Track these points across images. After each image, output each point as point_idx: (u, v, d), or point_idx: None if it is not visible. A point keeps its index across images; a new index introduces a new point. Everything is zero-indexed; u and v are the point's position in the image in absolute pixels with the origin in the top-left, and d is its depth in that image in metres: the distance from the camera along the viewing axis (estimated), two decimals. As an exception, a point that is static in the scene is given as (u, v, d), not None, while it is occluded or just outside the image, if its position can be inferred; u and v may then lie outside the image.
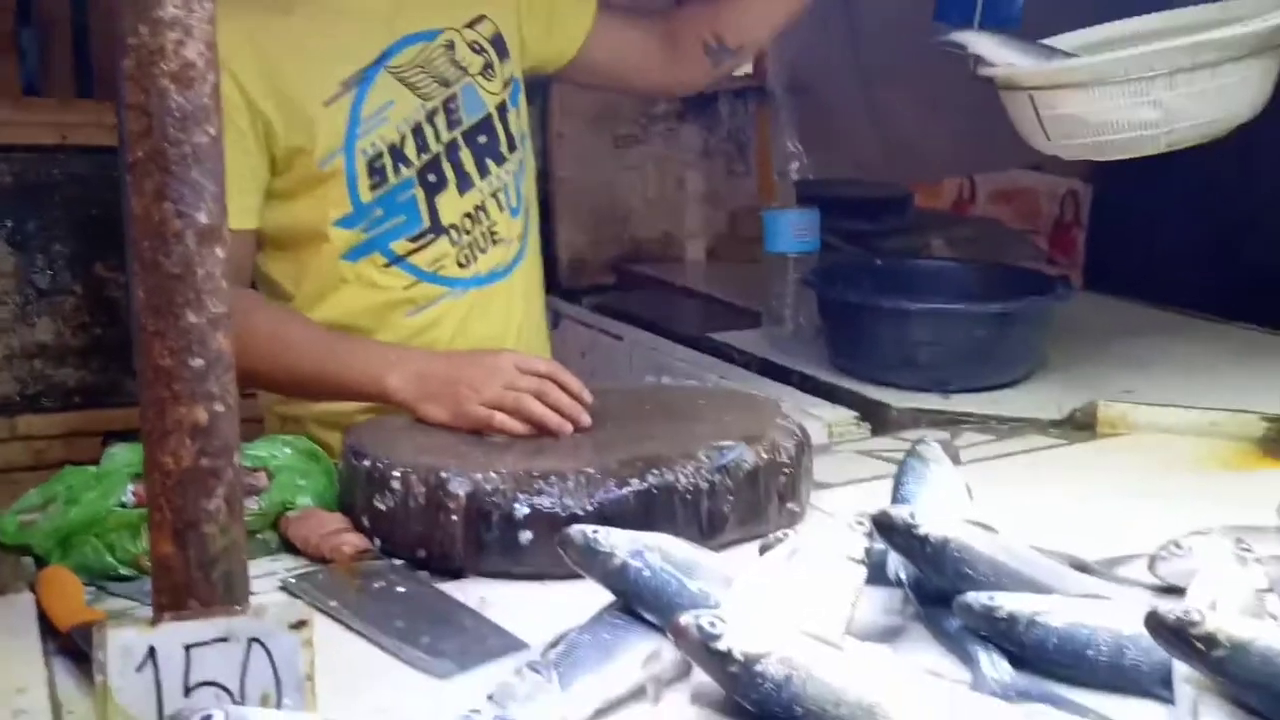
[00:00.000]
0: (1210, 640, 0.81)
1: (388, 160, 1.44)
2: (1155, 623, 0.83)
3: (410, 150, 1.45)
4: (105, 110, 2.41)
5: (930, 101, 2.57)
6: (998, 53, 1.63)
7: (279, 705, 0.77)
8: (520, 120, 1.57)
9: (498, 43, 1.54)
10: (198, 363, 0.78)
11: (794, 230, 2.11)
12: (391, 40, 1.45)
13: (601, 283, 2.64)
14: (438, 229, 1.48)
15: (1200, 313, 2.24)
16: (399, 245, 1.47)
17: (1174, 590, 1.02)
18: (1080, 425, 1.64)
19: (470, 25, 1.52)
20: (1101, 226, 3.49)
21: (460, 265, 1.50)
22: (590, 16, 1.66)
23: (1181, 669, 0.85)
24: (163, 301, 0.77)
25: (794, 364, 1.92)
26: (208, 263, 0.78)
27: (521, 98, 1.59)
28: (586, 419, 1.26)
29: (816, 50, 2.80)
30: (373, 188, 1.44)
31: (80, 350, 2.40)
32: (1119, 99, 1.45)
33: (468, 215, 1.50)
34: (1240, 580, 0.93)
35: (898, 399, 1.72)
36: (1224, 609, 0.89)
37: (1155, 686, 0.89)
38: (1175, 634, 0.82)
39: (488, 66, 1.52)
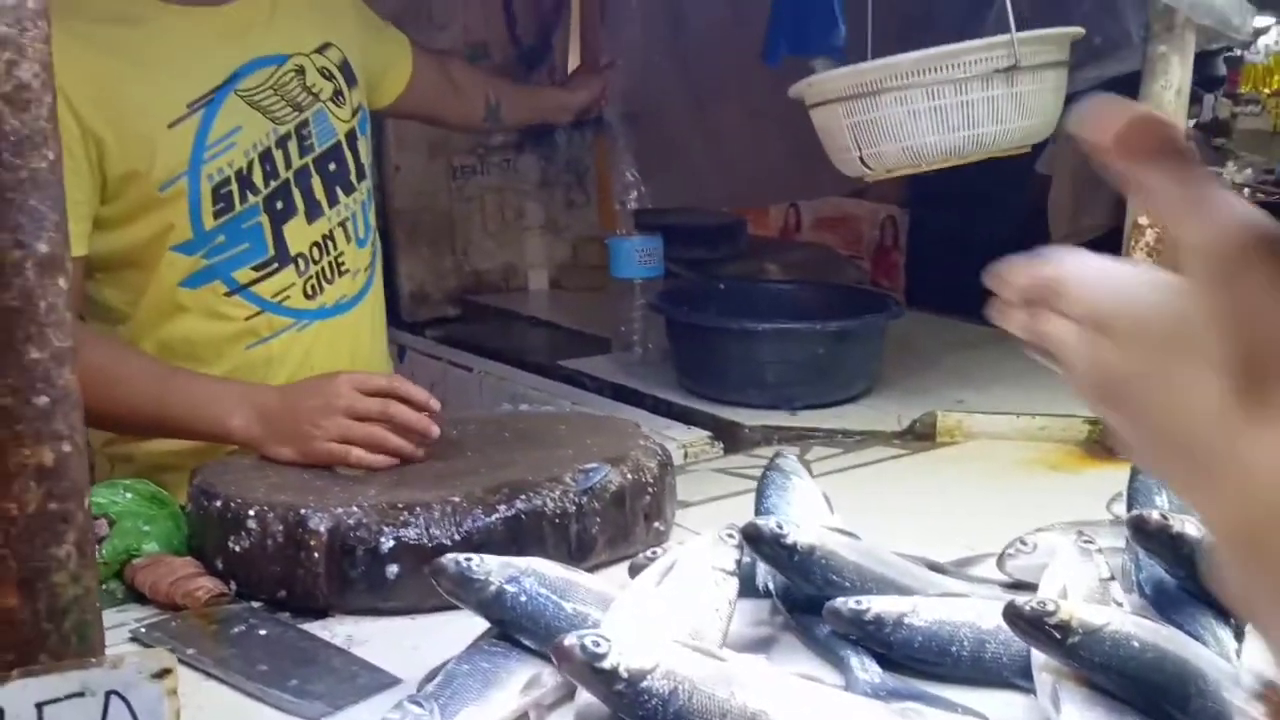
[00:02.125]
0: (1065, 628, 0.85)
1: (235, 187, 1.40)
2: (1013, 614, 0.87)
3: (258, 177, 1.41)
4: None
5: (759, 126, 2.65)
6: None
7: (143, 760, 0.73)
8: (367, 150, 1.55)
9: (345, 69, 1.51)
10: (43, 400, 0.73)
11: (639, 256, 2.14)
12: (241, 62, 1.40)
13: (444, 315, 2.62)
14: (284, 258, 1.44)
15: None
16: (242, 274, 1.42)
17: (1024, 585, 1.07)
18: (920, 435, 1.71)
19: (319, 51, 1.49)
20: (918, 249, 3.68)
21: (306, 296, 1.46)
22: (409, 57, 1.72)
23: (1039, 658, 0.90)
24: (3, 338, 0.72)
25: (645, 388, 1.94)
26: (50, 294, 0.74)
27: (369, 127, 1.57)
28: (436, 430, 1.24)
29: (650, 78, 2.86)
30: (216, 214, 1.39)
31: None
32: (923, 102, 1.52)
33: (315, 245, 1.46)
34: (1085, 571, 0.99)
35: (748, 417, 1.76)
36: (1074, 598, 0.94)
37: (1016, 677, 0.93)
38: (1032, 624, 0.87)
39: (338, 93, 1.49)
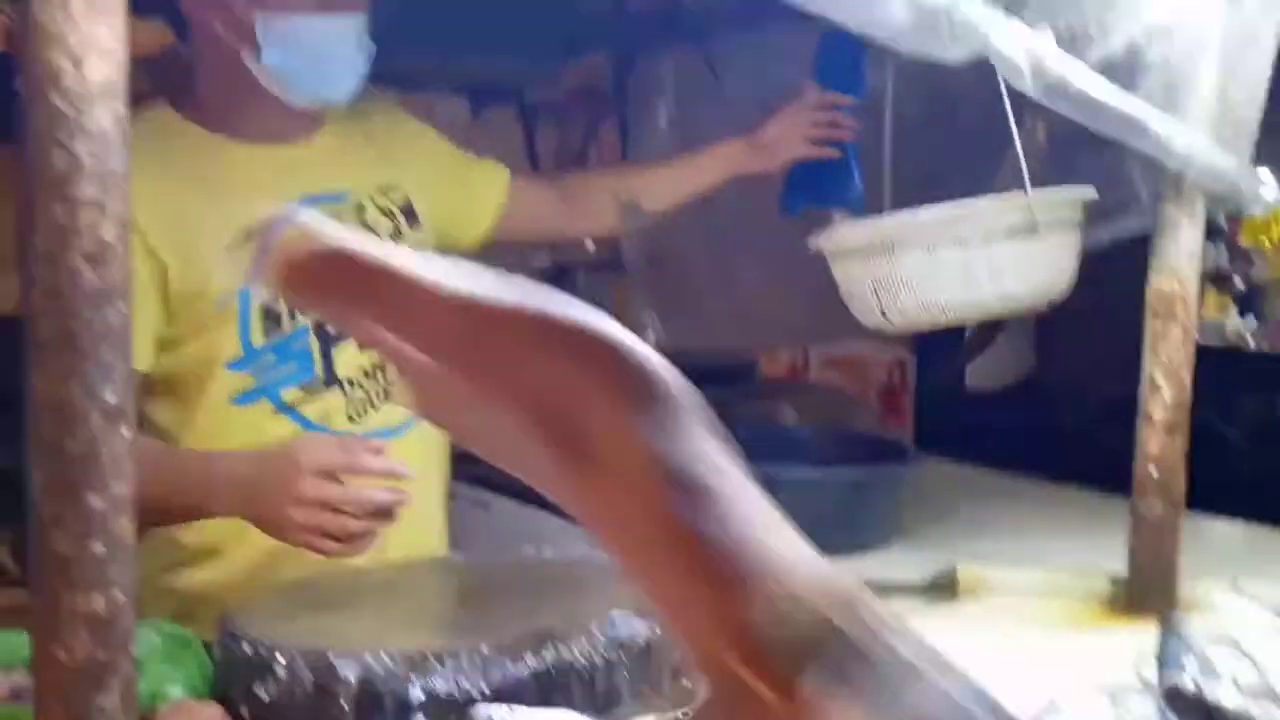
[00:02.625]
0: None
1: (283, 307, 1.44)
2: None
3: None
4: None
5: (776, 272, 2.72)
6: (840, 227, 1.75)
7: None
8: None
9: (407, 211, 1.56)
10: (99, 549, 0.74)
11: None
12: (301, 195, 1.46)
13: (464, 450, 2.63)
14: (330, 381, 1.47)
15: (1025, 474, 2.39)
16: (289, 393, 1.45)
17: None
18: (940, 589, 1.70)
19: (381, 191, 1.54)
20: (926, 393, 3.72)
21: (350, 420, 1.48)
22: (503, 188, 1.73)
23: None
24: (64, 485, 0.74)
25: (662, 531, 1.93)
26: (114, 443, 0.75)
27: None
28: (404, 498, 1.26)
29: (669, 224, 2.94)
30: (265, 333, 1.43)
31: (-101, 531, 2.22)
32: (944, 258, 1.56)
33: (365, 371, 1.49)
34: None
35: (767, 565, 1.75)
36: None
37: None
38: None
39: (396, 232, 1.54)
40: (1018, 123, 1.71)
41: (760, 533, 0.44)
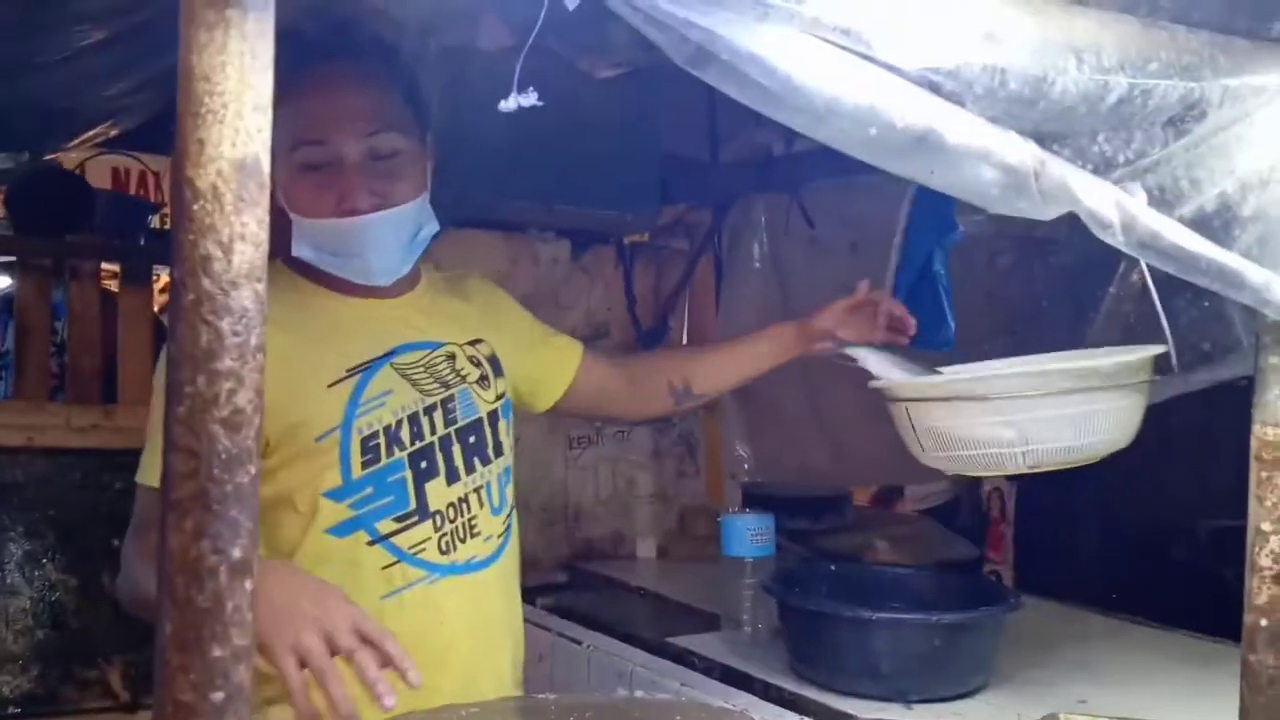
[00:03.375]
0: None
1: (382, 440, 1.50)
2: None
3: (405, 434, 1.51)
4: (74, 413, 2.46)
5: (868, 409, 2.72)
6: (880, 367, 1.76)
7: None
8: (508, 433, 1.64)
9: (493, 361, 1.64)
10: (218, 696, 0.79)
11: (751, 536, 2.17)
12: (398, 343, 1.55)
13: (553, 581, 2.65)
14: (424, 513, 1.51)
15: (1135, 617, 2.32)
16: (384, 525, 1.50)
17: None
18: (1042, 738, 1.65)
19: (470, 344, 1.62)
20: (1028, 525, 3.63)
21: (441, 551, 1.52)
22: (576, 364, 1.79)
23: None
24: (190, 636, 0.79)
25: (755, 671, 1.92)
26: (237, 596, 0.80)
27: (511, 415, 1.67)
28: (391, 700, 1.22)
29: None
30: (364, 465, 1.49)
31: (20, 656, 2.31)
32: (979, 416, 1.55)
33: (452, 505, 1.54)
34: None
35: (862, 709, 1.73)
36: None
37: None
38: None
39: (484, 378, 1.61)
40: (1114, 267, 1.72)
41: None
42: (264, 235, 0.78)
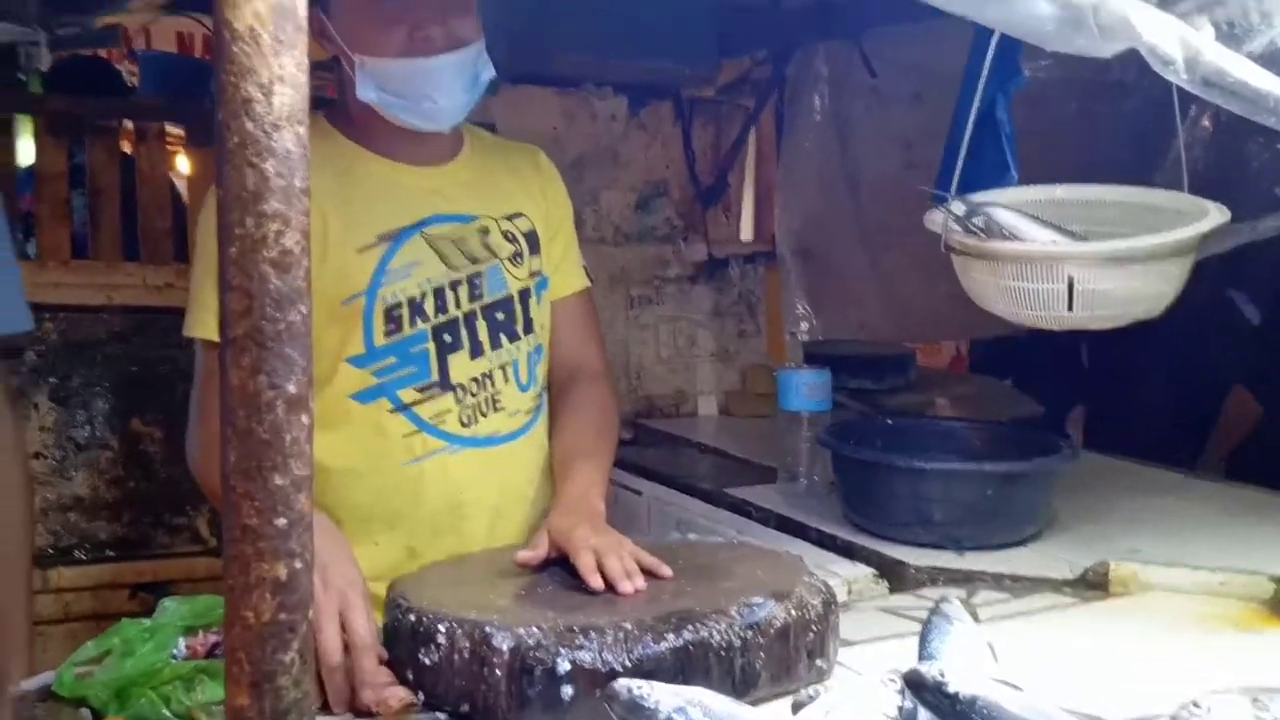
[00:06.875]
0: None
1: (405, 311, 1.51)
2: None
3: (430, 307, 1.52)
4: (149, 272, 2.54)
5: (929, 264, 2.70)
6: (1026, 227, 1.69)
7: None
8: (542, 311, 1.63)
9: (530, 238, 1.62)
10: (281, 522, 0.83)
11: (807, 390, 2.19)
12: (430, 213, 1.54)
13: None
14: (445, 385, 1.53)
15: (1193, 471, 2.31)
16: (406, 394, 1.52)
17: (1195, 750, 1.05)
18: (1092, 584, 1.68)
19: (508, 217, 1.61)
20: (1095, 386, 3.60)
21: (461, 423, 1.54)
22: (560, 294, 1.67)
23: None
24: (252, 465, 0.83)
25: (810, 520, 1.97)
26: (294, 429, 0.84)
27: (545, 293, 1.64)
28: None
29: (822, 215, 2.95)
30: (387, 334, 1.51)
31: (113, 504, 2.45)
32: (1147, 276, 1.53)
33: (475, 379, 1.55)
34: (1259, 740, 0.97)
35: (914, 556, 1.77)
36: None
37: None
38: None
39: (517, 255, 1.60)
40: (1182, 112, 1.67)
41: None
42: (303, 78, 0.79)
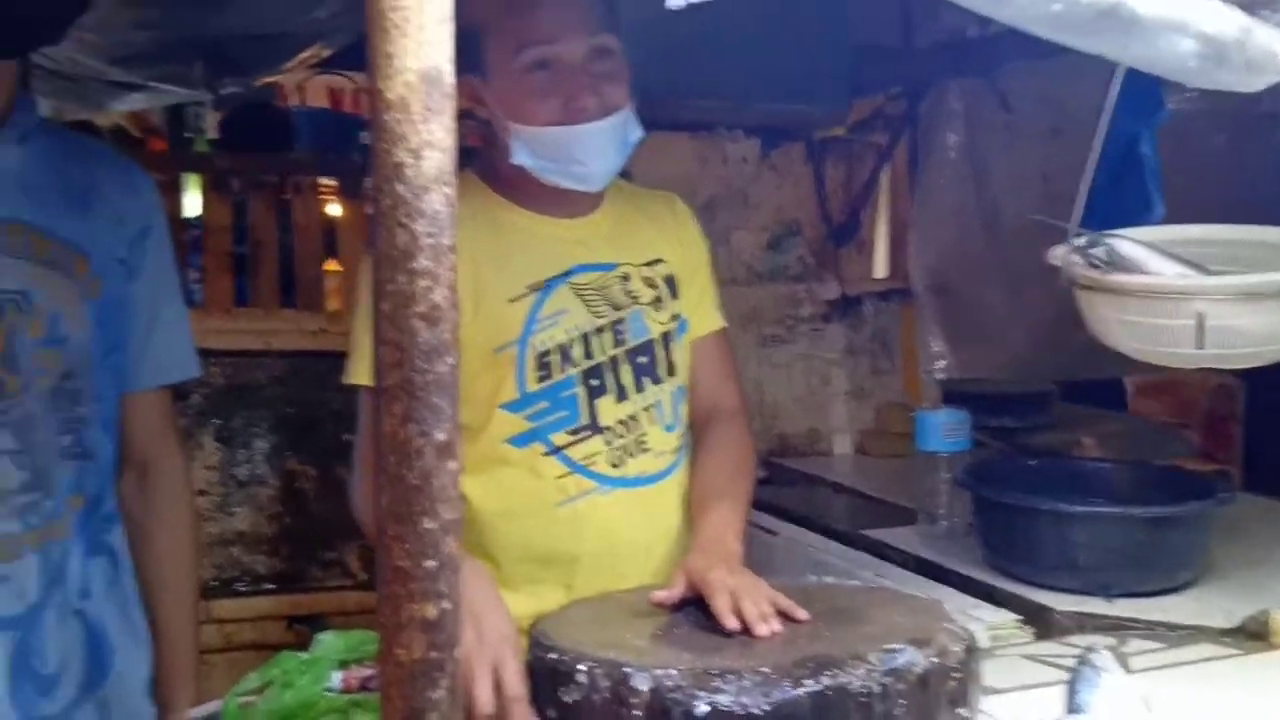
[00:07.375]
0: None
1: (555, 357, 1.56)
2: None
3: (577, 353, 1.57)
4: (304, 319, 2.68)
5: (1072, 299, 2.63)
6: (1150, 260, 1.65)
7: None
8: (682, 353, 1.65)
9: (670, 282, 1.65)
10: (431, 564, 0.87)
11: (945, 430, 2.16)
12: (574, 264, 1.59)
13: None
14: (595, 428, 1.58)
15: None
16: (558, 437, 1.57)
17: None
18: (1252, 634, 1.60)
19: (648, 264, 1.65)
20: (1258, 423, 3.42)
21: (611, 465, 1.58)
22: (698, 334, 1.68)
23: None
24: (403, 510, 0.87)
25: (950, 563, 1.93)
26: (443, 475, 0.88)
27: (687, 337, 1.66)
28: None
29: (958, 252, 2.90)
30: (539, 380, 1.56)
31: (271, 539, 2.58)
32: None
33: (621, 421, 1.59)
34: None
35: (1059, 601, 1.72)
36: None
37: None
38: None
39: (658, 300, 1.63)
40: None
41: None
42: (450, 141, 0.84)
